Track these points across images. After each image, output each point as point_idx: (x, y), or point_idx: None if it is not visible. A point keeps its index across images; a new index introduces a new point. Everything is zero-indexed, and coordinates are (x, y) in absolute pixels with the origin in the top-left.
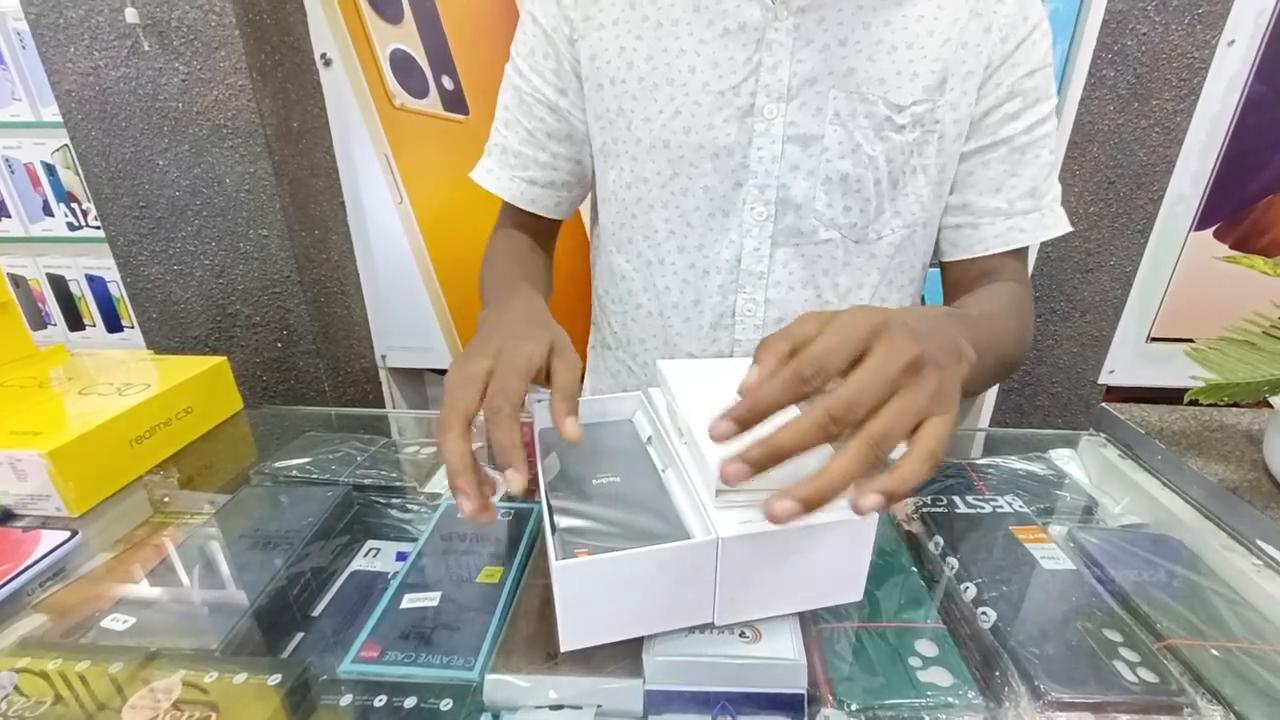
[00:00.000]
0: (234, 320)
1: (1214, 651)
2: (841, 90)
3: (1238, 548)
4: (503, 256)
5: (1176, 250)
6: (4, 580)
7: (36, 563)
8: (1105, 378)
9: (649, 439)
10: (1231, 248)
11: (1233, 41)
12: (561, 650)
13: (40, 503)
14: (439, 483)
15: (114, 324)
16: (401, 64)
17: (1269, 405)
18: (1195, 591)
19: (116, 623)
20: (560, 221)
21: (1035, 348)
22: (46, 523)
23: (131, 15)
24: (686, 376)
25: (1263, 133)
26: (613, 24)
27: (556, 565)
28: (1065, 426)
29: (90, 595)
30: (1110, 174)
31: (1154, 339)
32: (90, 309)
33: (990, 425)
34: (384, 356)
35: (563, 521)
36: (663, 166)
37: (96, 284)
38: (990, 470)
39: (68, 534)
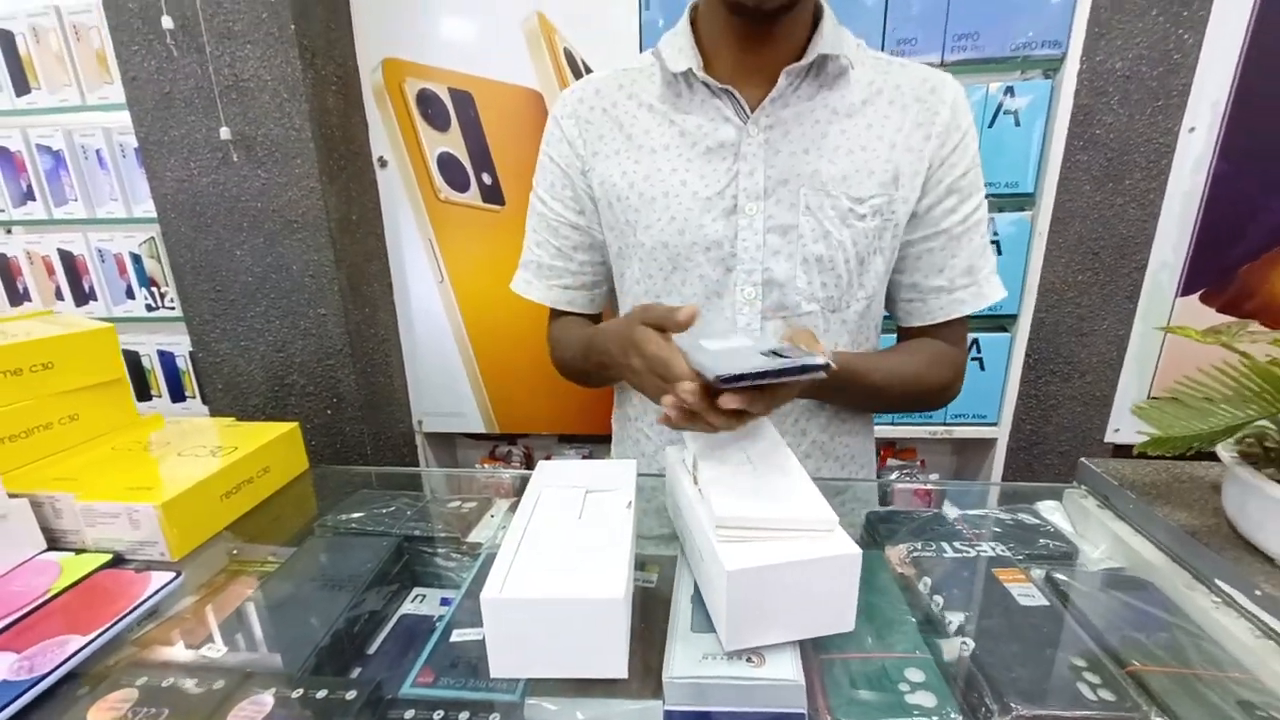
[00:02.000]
0: (290, 390)
1: (1172, 677)
2: (809, 187)
3: (1199, 586)
4: (575, 330)
5: (1165, 314)
6: (124, 613)
7: (149, 599)
8: (1111, 436)
9: (629, 504)
10: (1219, 311)
11: (1193, 129)
12: (492, 675)
13: (146, 549)
14: (480, 533)
15: (178, 394)
16: (447, 164)
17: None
18: (1159, 625)
19: (212, 651)
20: (598, 314)
21: (1040, 407)
22: (151, 566)
23: (225, 133)
24: (703, 435)
25: (1234, 206)
26: (615, 154)
27: (482, 598)
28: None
29: (188, 628)
30: (1093, 245)
31: (1154, 398)
32: (159, 381)
33: (1001, 480)
34: (420, 422)
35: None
36: (664, 263)
37: (165, 358)
38: (981, 520)
39: (173, 574)
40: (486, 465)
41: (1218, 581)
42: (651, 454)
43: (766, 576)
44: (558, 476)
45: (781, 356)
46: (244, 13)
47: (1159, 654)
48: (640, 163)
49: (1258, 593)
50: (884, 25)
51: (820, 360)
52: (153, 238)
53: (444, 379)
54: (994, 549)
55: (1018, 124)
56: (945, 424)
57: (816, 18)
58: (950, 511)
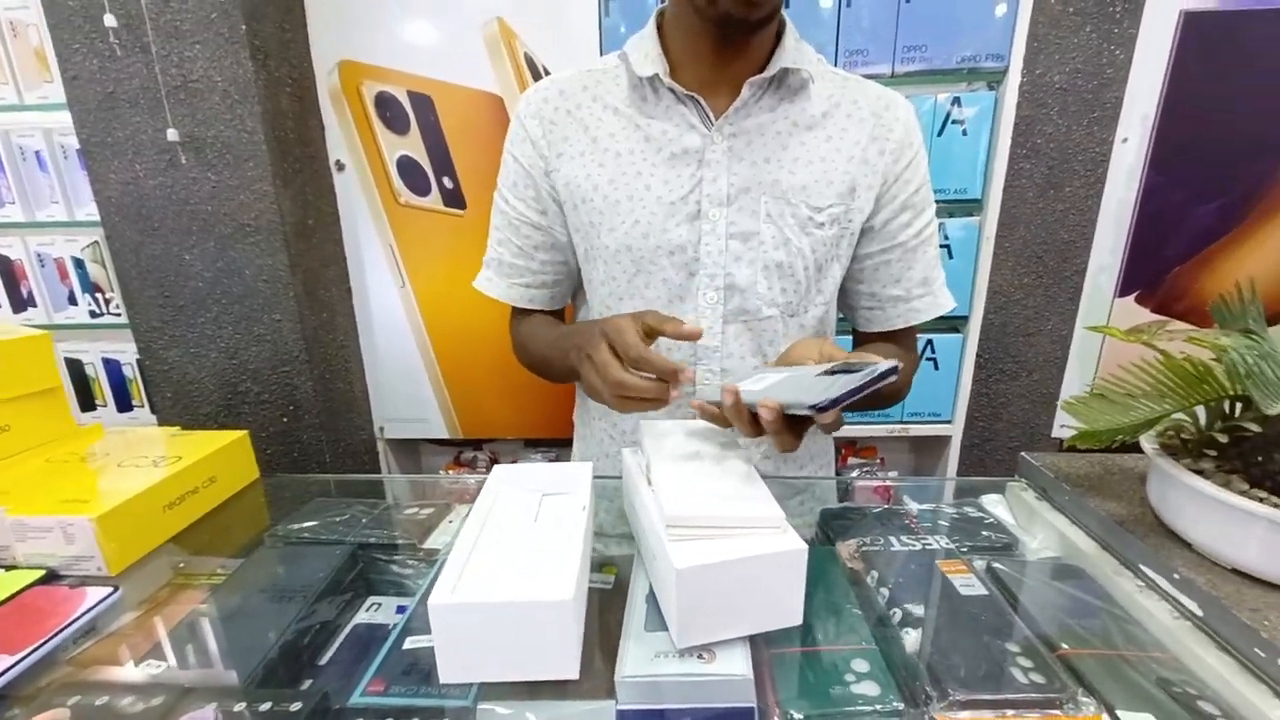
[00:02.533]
0: (244, 398)
1: (1099, 659)
2: (770, 196)
3: (1125, 572)
4: (541, 328)
5: (1105, 314)
6: (57, 631)
7: (83, 615)
8: (1058, 431)
9: (584, 507)
10: (1154, 311)
11: (1126, 139)
12: (441, 682)
13: (82, 564)
14: (438, 539)
15: (124, 404)
16: (407, 167)
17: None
18: (1089, 610)
19: (152, 667)
20: (561, 311)
21: (990, 405)
22: (86, 581)
23: (173, 135)
24: (661, 434)
25: (1164, 212)
26: (579, 156)
27: (430, 604)
28: None
29: (127, 644)
30: (1037, 249)
31: (1081, 395)
32: (103, 390)
33: (956, 476)
34: (382, 429)
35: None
36: (628, 265)
37: (111, 367)
38: (928, 514)
39: (110, 590)
40: (451, 471)
41: (1141, 566)
42: (614, 454)
43: (715, 574)
44: (513, 480)
45: (851, 371)
46: (191, 12)
47: (1087, 637)
48: (605, 165)
49: (1176, 576)
50: (837, 36)
51: (888, 365)
52: (96, 242)
53: (406, 385)
54: (939, 542)
55: (965, 133)
56: (902, 422)
57: (780, 32)
58: (900, 507)
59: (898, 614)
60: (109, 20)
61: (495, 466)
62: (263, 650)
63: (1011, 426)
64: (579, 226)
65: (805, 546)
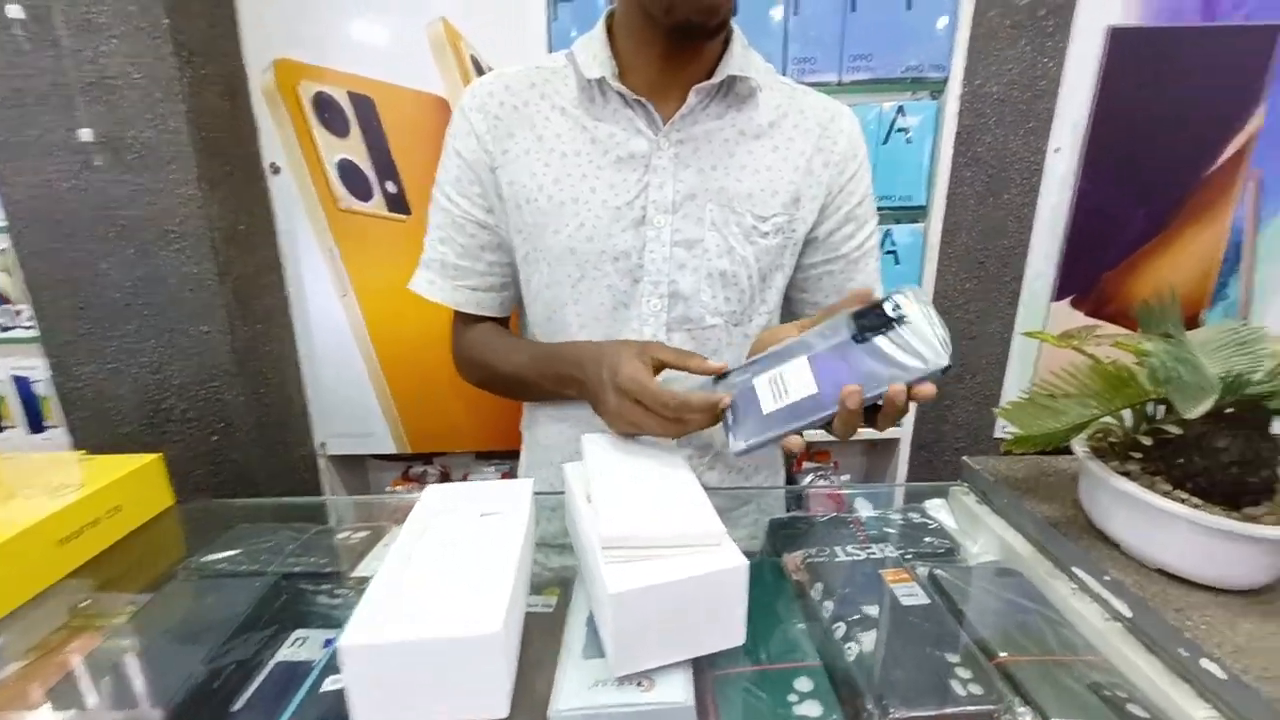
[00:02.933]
0: (168, 416)
1: (1034, 665)
2: (715, 204)
3: (1060, 575)
4: (495, 338)
5: (1042, 318)
6: None
7: None
8: (1000, 432)
9: (522, 526)
10: (1087, 315)
11: (1058, 149)
12: None
13: None
14: (368, 566)
15: (37, 424)
16: (348, 171)
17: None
18: (1026, 615)
19: None
20: (506, 319)
21: (937, 408)
22: None
23: (86, 135)
24: (604, 447)
25: (1095, 219)
26: (525, 155)
27: (340, 646)
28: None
29: (6, 700)
30: (979, 255)
31: (1015, 400)
32: (11, 410)
33: (906, 477)
34: (323, 444)
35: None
36: (571, 270)
37: (21, 384)
38: (875, 521)
39: None
40: (399, 488)
41: (1074, 569)
42: (571, 457)
43: (652, 596)
44: (446, 501)
45: (888, 322)
46: (107, 4)
47: (1024, 643)
48: (550, 166)
49: (1106, 578)
50: (785, 45)
51: (910, 292)
52: (4, 249)
53: (350, 397)
54: (883, 550)
55: (909, 141)
56: None
57: (727, 39)
58: (847, 515)
59: (841, 628)
60: (13, 10)
61: (428, 487)
62: (168, 695)
63: (957, 428)
64: (521, 227)
65: (746, 563)
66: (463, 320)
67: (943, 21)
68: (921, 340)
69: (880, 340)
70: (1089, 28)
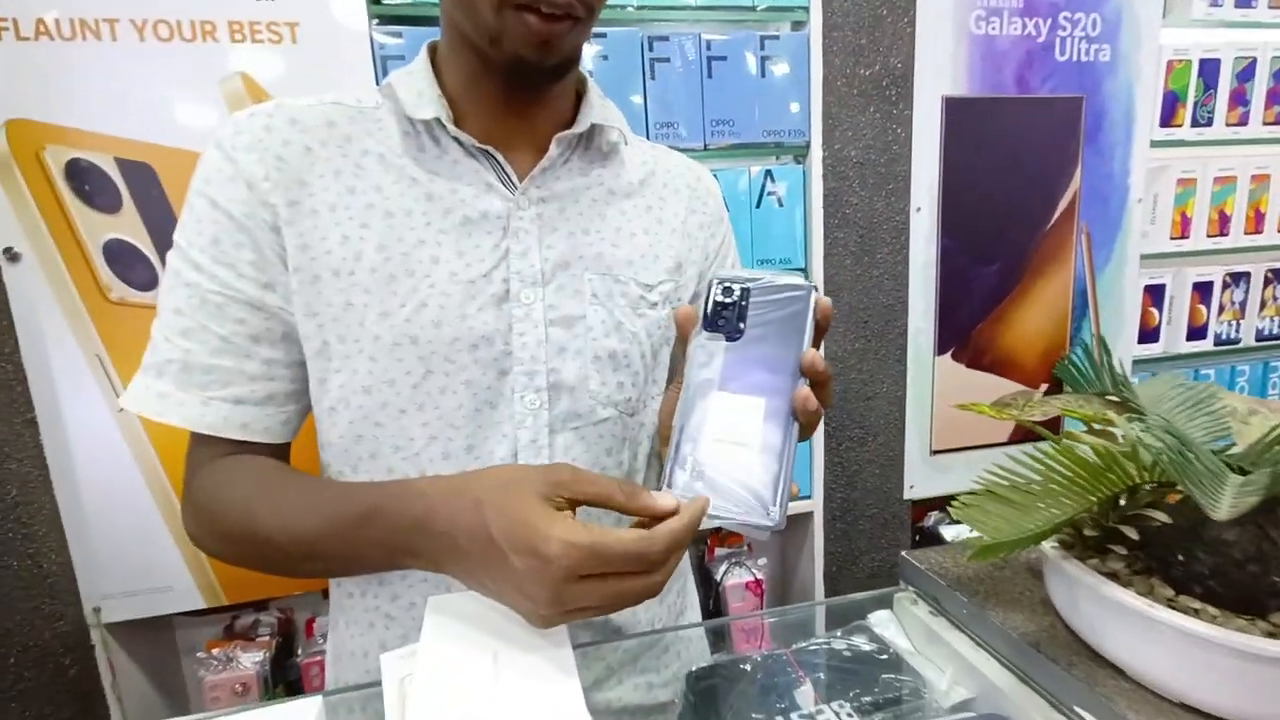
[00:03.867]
0: None
1: None
2: (594, 272)
3: (1059, 718)
4: (267, 477)
5: (929, 373)
6: None
7: None
8: (909, 493)
9: None
10: (968, 367)
11: (919, 208)
12: None
13: None
14: None
15: None
16: (120, 255)
17: None
18: None
19: None
20: (286, 448)
21: (844, 473)
22: None
23: None
24: (449, 616)
25: (958, 275)
26: (329, 210)
27: None
28: (887, 545)
29: None
30: (863, 314)
31: (935, 451)
32: None
33: (823, 552)
34: (97, 610)
35: None
36: (413, 365)
37: None
38: (814, 655)
39: None
40: (217, 651)
41: (1079, 710)
42: (395, 643)
43: None
44: None
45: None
46: None
47: None
48: (369, 225)
49: None
50: (645, 109)
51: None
52: None
53: (134, 542)
54: (838, 713)
55: (780, 204)
56: None
57: (581, 88)
58: (779, 652)
59: None
60: None
61: None
62: None
63: (867, 494)
64: (319, 309)
65: None
66: (209, 452)
67: (795, 89)
68: (774, 288)
69: (752, 320)
70: (927, 97)
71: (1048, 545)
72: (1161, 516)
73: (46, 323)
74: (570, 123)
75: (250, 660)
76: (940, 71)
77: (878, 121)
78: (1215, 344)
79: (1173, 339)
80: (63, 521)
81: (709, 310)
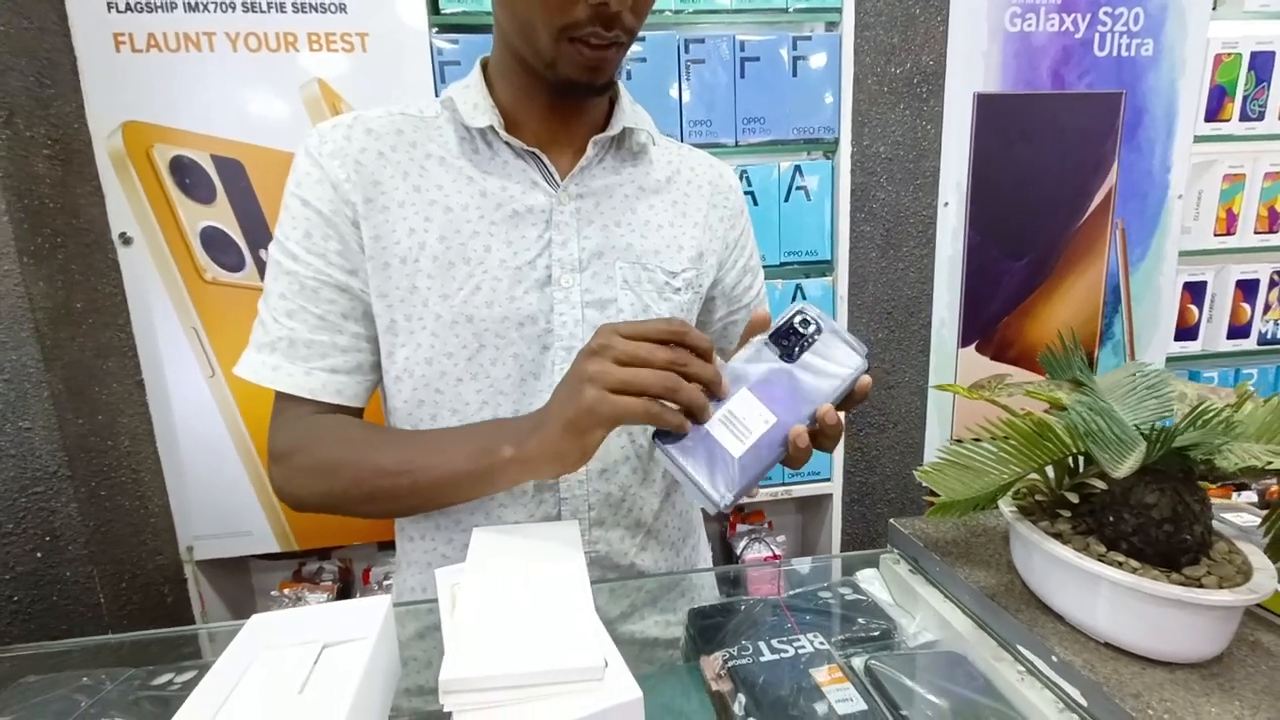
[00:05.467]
0: None
1: None
2: (625, 261)
3: (1005, 655)
4: (357, 430)
5: (952, 364)
6: None
7: None
8: (919, 477)
9: (365, 655)
10: (992, 359)
11: (947, 203)
12: None
13: None
14: None
15: None
16: (214, 240)
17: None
18: (974, 710)
19: None
20: (361, 412)
21: (864, 458)
22: None
23: None
24: (488, 549)
25: (986, 269)
26: (398, 206)
27: None
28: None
29: None
30: (886, 306)
31: (955, 441)
32: None
33: (841, 533)
34: (190, 549)
35: None
36: (468, 340)
37: None
38: (801, 603)
39: None
40: (288, 590)
41: (1019, 648)
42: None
43: None
44: (276, 632)
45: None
46: None
47: None
48: (433, 220)
49: (1054, 659)
50: (680, 108)
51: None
52: None
53: (222, 492)
54: (814, 641)
55: (809, 198)
56: (785, 484)
57: (611, 96)
58: (772, 598)
59: None
60: None
61: (254, 617)
62: None
63: (886, 480)
64: (388, 291)
65: (639, 696)
66: (300, 412)
67: (827, 87)
68: (841, 342)
69: (808, 355)
70: (959, 93)
71: (1006, 508)
72: (1099, 484)
73: (153, 298)
74: (604, 126)
75: (316, 600)
76: (973, 68)
77: (907, 118)
78: (1259, 343)
79: (1212, 337)
80: (163, 471)
81: (782, 327)
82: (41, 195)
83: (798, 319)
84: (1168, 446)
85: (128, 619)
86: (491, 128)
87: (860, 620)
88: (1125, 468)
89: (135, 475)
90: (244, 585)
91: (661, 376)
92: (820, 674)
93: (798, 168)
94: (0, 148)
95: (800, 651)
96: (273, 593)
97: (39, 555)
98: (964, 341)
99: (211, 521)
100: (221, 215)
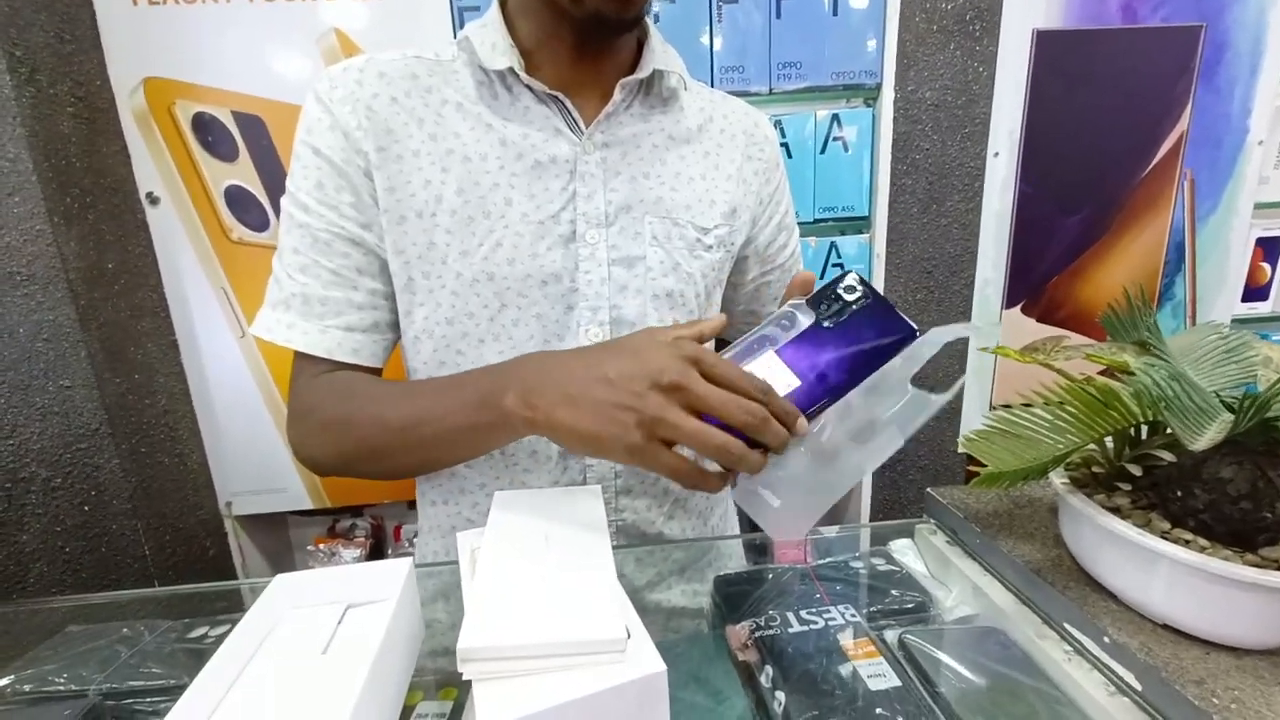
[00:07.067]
0: (28, 486)
1: None
2: (655, 215)
3: (1050, 634)
4: (369, 385)
5: (994, 326)
6: None
7: None
8: (963, 446)
9: (387, 617)
10: (1039, 321)
11: (997, 153)
12: None
13: None
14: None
15: None
16: (238, 199)
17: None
18: (1013, 689)
19: None
20: (379, 372)
21: None
22: None
23: None
24: (510, 512)
25: (1037, 224)
26: (413, 155)
27: None
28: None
29: None
30: (927, 264)
31: (994, 407)
32: None
33: (871, 501)
34: (229, 504)
35: None
36: (490, 299)
37: None
38: (832, 572)
39: None
40: (323, 546)
41: (1067, 626)
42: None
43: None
44: (301, 592)
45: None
46: None
47: None
48: (450, 170)
49: (1106, 639)
50: (711, 54)
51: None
52: None
53: (256, 449)
54: (845, 613)
55: (846, 150)
56: None
57: (642, 36)
58: (801, 566)
59: None
60: None
61: (278, 577)
62: None
63: (919, 444)
64: (405, 247)
65: (663, 669)
66: (316, 369)
67: (870, 26)
68: (888, 314)
69: (850, 321)
70: (1016, 31)
71: (1057, 480)
72: (1167, 455)
73: (182, 259)
74: (633, 69)
75: (350, 555)
76: (1032, 2)
77: (958, 60)
78: None
79: None
80: (200, 429)
81: (825, 289)
82: (69, 155)
83: (844, 284)
84: (1260, 416)
85: (173, 570)
86: (511, 70)
87: (894, 592)
88: (1205, 439)
89: (173, 433)
90: (281, 540)
91: (729, 444)
92: (851, 649)
93: (835, 117)
94: (25, 106)
95: (830, 623)
96: (308, 547)
97: (86, 509)
98: (1009, 302)
99: (248, 478)
100: (244, 174)
